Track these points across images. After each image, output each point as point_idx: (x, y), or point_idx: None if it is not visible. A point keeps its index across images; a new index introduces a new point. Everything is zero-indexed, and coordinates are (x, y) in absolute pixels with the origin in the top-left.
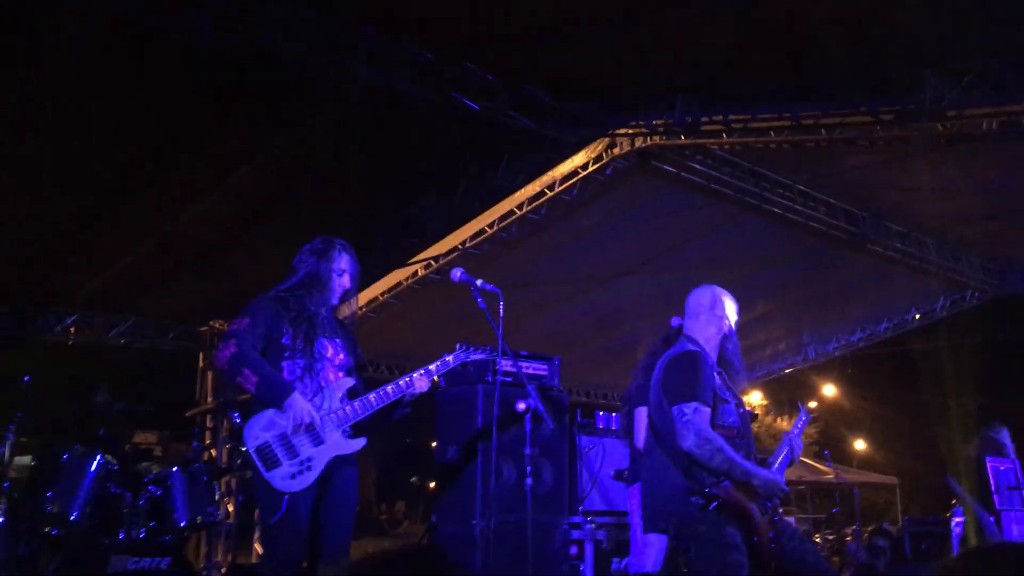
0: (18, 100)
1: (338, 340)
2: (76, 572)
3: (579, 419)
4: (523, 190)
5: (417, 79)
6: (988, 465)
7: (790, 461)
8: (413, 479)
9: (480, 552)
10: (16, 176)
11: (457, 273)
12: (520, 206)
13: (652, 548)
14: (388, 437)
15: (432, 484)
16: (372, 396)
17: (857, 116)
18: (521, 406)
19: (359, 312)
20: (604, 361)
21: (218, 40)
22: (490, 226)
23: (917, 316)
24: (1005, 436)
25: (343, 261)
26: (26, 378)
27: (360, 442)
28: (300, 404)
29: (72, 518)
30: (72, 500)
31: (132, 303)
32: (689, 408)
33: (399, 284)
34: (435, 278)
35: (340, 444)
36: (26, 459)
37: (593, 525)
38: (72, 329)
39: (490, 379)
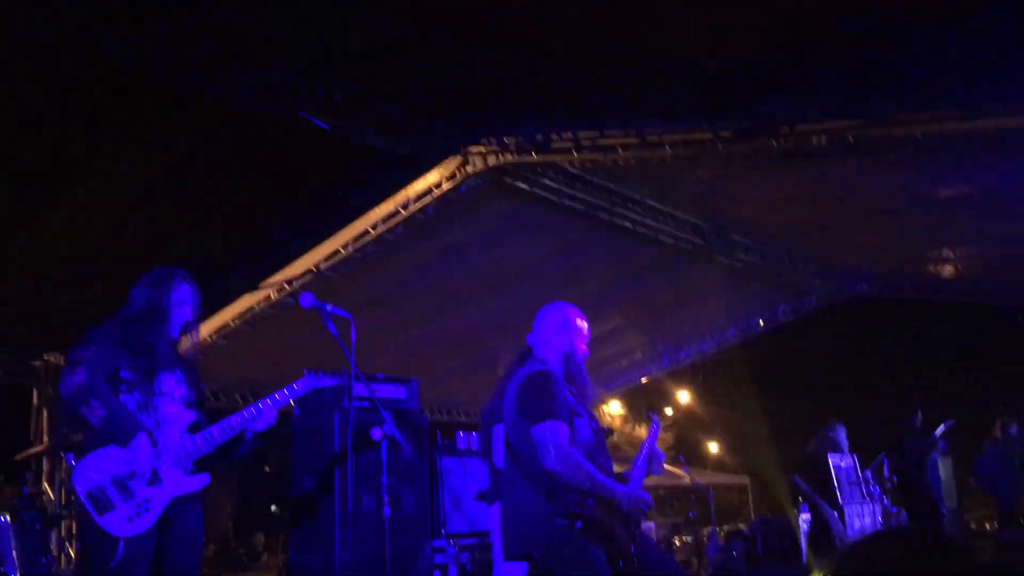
0: None
1: (179, 373)
2: None
3: (439, 440)
4: (377, 209)
5: (264, 97)
6: (829, 462)
7: (646, 472)
8: (272, 508)
9: None
10: None
11: (307, 299)
12: (375, 226)
13: (514, 573)
14: (245, 466)
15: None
16: (215, 430)
17: (698, 133)
18: (377, 434)
19: (201, 343)
20: (464, 378)
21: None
22: (344, 247)
23: (761, 322)
24: (841, 434)
25: (183, 291)
26: None
27: (202, 479)
28: (144, 446)
29: None
30: None
31: None
32: (547, 427)
33: (250, 309)
34: (288, 302)
35: (180, 482)
36: None
37: (456, 548)
38: None
39: (345, 405)
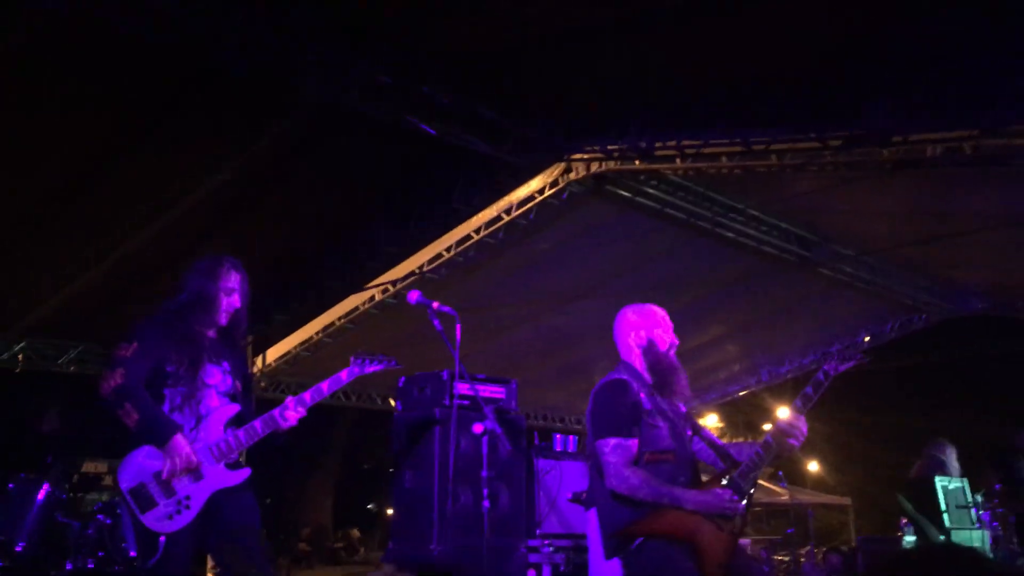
0: None
1: (225, 364)
2: None
3: (536, 442)
4: (480, 214)
5: (370, 99)
6: (937, 484)
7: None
8: (370, 505)
9: None
10: None
11: (414, 296)
12: (477, 230)
13: (612, 572)
14: (343, 463)
15: (389, 511)
16: (258, 424)
17: (806, 142)
18: (478, 428)
19: (312, 341)
20: (561, 383)
21: (163, 53)
22: (447, 250)
23: (867, 338)
24: (950, 455)
25: (232, 280)
26: None
27: (243, 473)
28: (181, 447)
29: (17, 549)
30: (18, 530)
31: (81, 329)
32: (608, 445)
33: (356, 309)
34: (392, 302)
35: (222, 477)
36: None
37: (551, 548)
38: (20, 356)
39: (447, 402)
